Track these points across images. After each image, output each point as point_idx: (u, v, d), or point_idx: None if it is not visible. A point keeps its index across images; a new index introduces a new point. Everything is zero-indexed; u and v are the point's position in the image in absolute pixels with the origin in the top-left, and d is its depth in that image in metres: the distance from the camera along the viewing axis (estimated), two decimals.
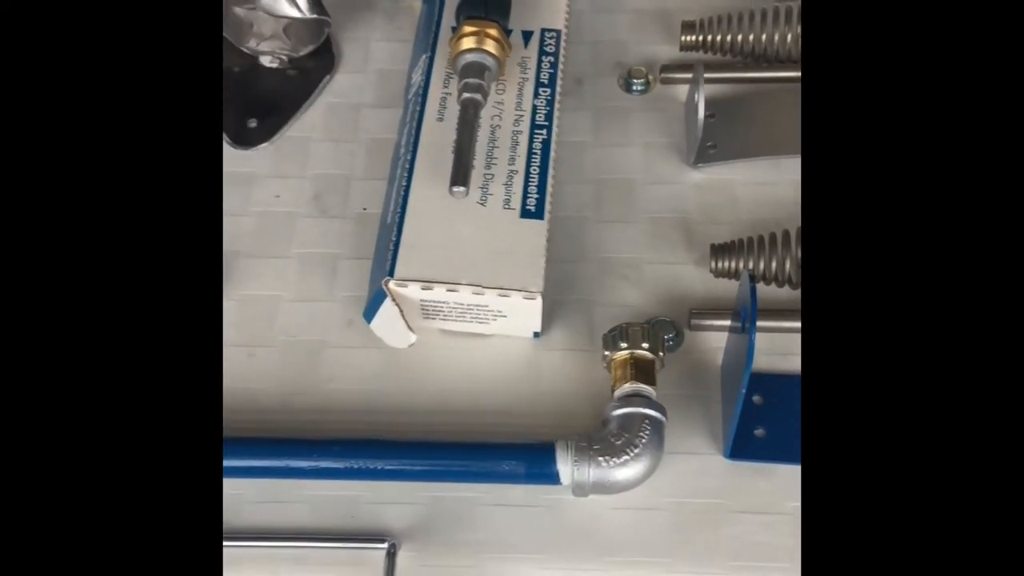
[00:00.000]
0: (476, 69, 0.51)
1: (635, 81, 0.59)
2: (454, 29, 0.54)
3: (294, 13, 0.57)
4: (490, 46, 0.52)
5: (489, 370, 0.49)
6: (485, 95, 0.51)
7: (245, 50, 0.60)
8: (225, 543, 0.44)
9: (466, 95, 0.51)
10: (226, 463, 0.45)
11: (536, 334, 0.50)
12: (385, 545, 0.43)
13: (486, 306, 0.48)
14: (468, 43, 0.52)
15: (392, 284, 0.47)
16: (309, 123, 0.59)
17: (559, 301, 0.51)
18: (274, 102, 0.59)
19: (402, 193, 0.50)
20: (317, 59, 0.61)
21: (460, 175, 0.48)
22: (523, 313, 0.48)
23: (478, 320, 0.49)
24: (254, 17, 0.59)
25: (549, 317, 0.50)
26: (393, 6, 0.64)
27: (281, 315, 0.51)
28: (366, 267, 0.52)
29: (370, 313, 0.49)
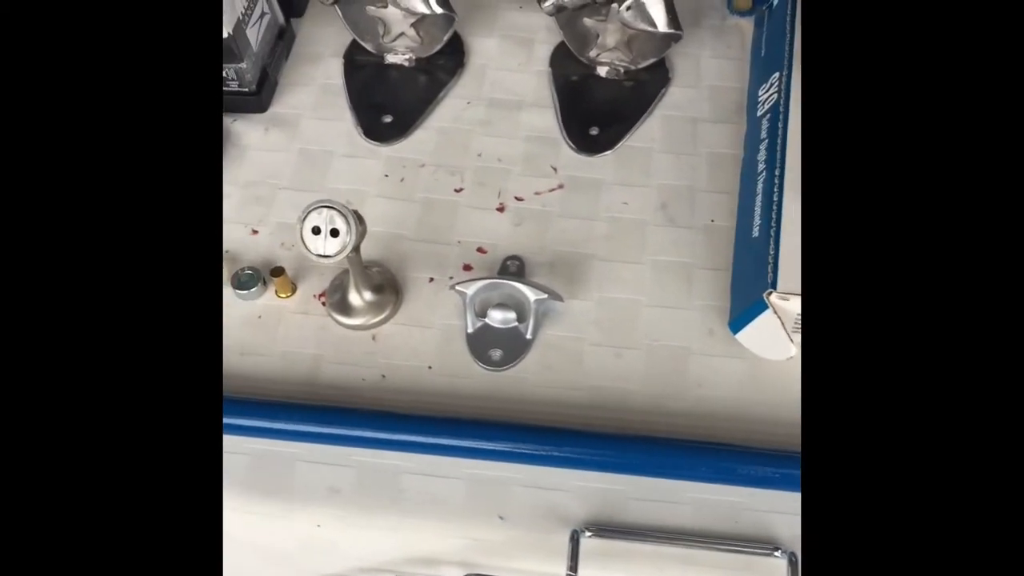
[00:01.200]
0: None
1: None
2: None
3: (647, 27, 0.59)
4: None
5: None
6: None
7: (583, 60, 0.62)
8: (612, 537, 0.45)
9: None
10: (605, 457, 0.47)
11: None
12: (784, 554, 0.44)
13: None
14: None
15: (774, 297, 0.48)
16: (648, 134, 0.60)
17: None
18: (613, 112, 0.61)
19: (775, 208, 0.51)
20: (652, 72, 0.62)
21: None
22: None
23: None
24: (602, 28, 0.61)
25: None
26: (720, 24, 0.65)
27: (642, 319, 0.53)
28: (721, 278, 0.53)
29: (739, 324, 0.50)
